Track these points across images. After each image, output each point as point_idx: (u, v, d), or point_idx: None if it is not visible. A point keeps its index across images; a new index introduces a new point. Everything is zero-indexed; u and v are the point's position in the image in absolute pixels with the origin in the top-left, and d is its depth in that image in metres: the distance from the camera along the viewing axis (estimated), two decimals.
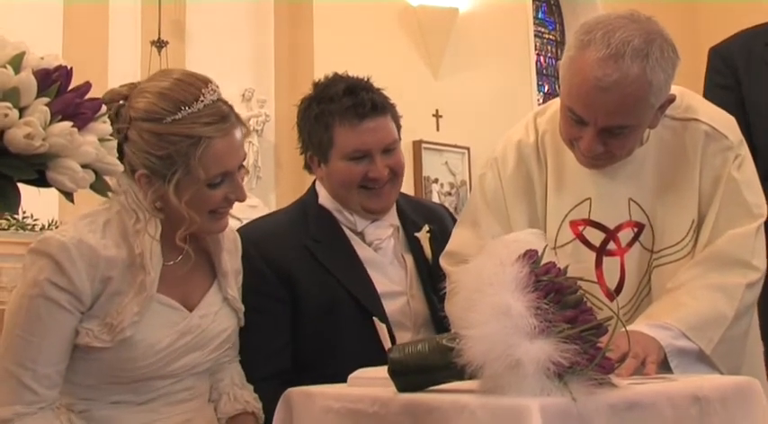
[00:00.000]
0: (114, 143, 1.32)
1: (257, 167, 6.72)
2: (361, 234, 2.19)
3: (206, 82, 1.77)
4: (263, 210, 7.08)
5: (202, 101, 1.72)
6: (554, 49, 9.04)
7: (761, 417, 1.53)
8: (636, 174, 1.98)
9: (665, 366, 1.74)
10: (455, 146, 7.22)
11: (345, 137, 2.10)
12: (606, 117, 1.80)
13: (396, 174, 2.17)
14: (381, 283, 2.14)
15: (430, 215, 2.35)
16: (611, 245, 1.99)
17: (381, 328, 1.49)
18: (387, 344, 1.44)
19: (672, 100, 1.89)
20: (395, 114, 2.18)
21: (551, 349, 1.26)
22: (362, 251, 2.17)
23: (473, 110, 7.10)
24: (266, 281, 2.06)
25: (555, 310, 1.31)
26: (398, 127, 2.19)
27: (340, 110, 2.09)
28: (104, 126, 1.29)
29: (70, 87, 1.26)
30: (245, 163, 1.83)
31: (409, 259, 2.22)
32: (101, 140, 1.27)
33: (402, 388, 1.41)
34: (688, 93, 2.03)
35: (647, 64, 1.75)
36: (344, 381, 1.63)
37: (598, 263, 2.00)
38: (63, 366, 1.70)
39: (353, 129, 2.09)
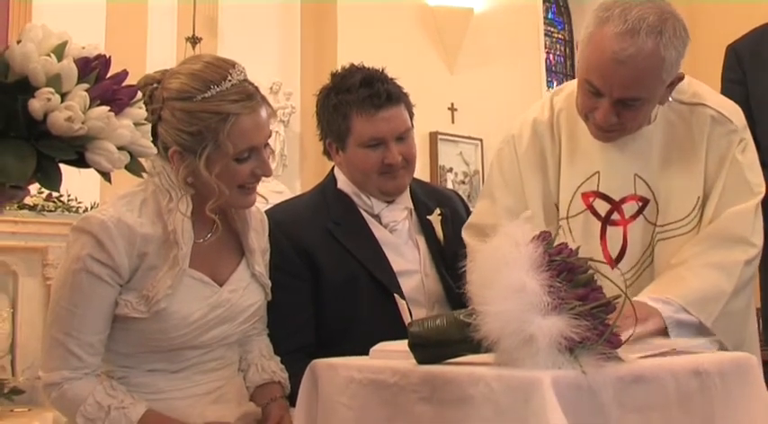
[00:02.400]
0: (148, 127, 1.31)
1: (283, 156, 6.72)
2: (377, 217, 2.18)
3: (233, 64, 1.78)
4: (288, 196, 7.09)
5: (230, 80, 1.73)
6: (563, 48, 8.98)
7: (756, 390, 1.52)
8: (642, 152, 1.98)
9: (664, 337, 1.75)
10: (469, 138, 7.19)
11: (362, 127, 2.09)
12: (621, 89, 1.81)
13: (408, 160, 2.16)
14: (397, 262, 2.13)
15: (441, 199, 2.34)
16: (615, 216, 2.01)
17: (402, 304, 1.48)
18: (407, 319, 1.43)
19: (681, 78, 1.89)
20: (408, 103, 2.17)
21: (563, 325, 1.26)
22: (379, 232, 2.16)
23: (486, 103, 7.07)
24: (289, 260, 2.06)
25: (567, 288, 1.30)
26: (411, 115, 2.18)
27: (357, 101, 2.08)
28: (139, 111, 1.28)
29: (108, 75, 1.25)
30: (273, 149, 1.83)
31: (422, 240, 2.21)
32: (135, 124, 1.26)
33: (421, 360, 1.41)
34: (695, 82, 2.04)
35: (661, 40, 1.77)
36: (364, 355, 1.62)
37: (602, 232, 2.01)
38: (105, 335, 1.73)
39: (370, 119, 2.09)
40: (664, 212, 1.98)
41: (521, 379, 1.25)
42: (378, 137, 2.10)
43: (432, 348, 1.39)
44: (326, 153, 2.24)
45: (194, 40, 6.27)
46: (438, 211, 2.23)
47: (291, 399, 1.82)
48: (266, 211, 2.12)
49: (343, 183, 2.20)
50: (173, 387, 1.78)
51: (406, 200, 2.22)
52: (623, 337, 1.36)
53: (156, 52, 6.10)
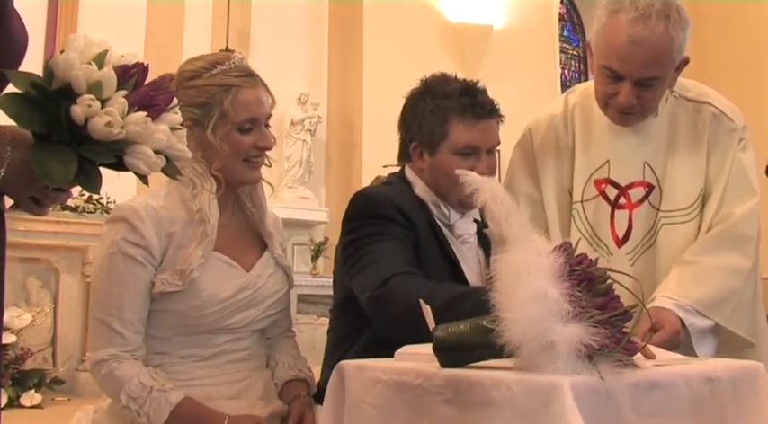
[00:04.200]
0: (184, 131, 1.31)
1: (310, 163, 6.74)
2: (450, 227, 2.08)
3: (234, 54, 1.93)
4: (313, 202, 7.11)
5: (233, 62, 1.87)
6: (577, 64, 8.96)
7: (765, 396, 1.50)
8: (650, 142, 2.05)
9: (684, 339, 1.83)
10: None
11: (460, 134, 1.99)
12: (640, 68, 1.88)
13: (491, 174, 2.04)
14: (469, 275, 2.04)
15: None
16: (622, 200, 2.06)
17: (426, 309, 1.44)
18: (431, 324, 1.40)
19: (686, 61, 1.96)
20: (500, 120, 2.08)
21: (583, 333, 1.24)
22: (453, 243, 2.06)
23: (504, 115, 7.05)
24: (398, 220, 1.95)
25: (587, 297, 1.28)
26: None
27: (459, 108, 1.99)
28: (175, 116, 1.28)
29: (146, 82, 1.25)
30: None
31: (481, 253, 2.13)
32: (171, 129, 1.25)
33: (445, 364, 1.39)
34: (702, 84, 2.11)
35: (669, 23, 1.87)
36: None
37: (612, 215, 2.07)
38: (143, 314, 1.77)
39: (470, 127, 1.99)
40: (667, 199, 2.03)
41: (541, 384, 1.23)
42: (473, 146, 2.00)
43: (455, 352, 1.37)
44: (403, 156, 2.12)
45: (227, 52, 6.30)
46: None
47: (319, 397, 1.80)
48: (365, 188, 2.16)
49: (420, 190, 2.07)
50: (205, 374, 1.80)
51: (475, 213, 2.12)
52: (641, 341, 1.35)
53: None
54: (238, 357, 1.85)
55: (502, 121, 2.08)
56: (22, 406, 4.64)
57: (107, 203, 5.36)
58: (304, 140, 6.70)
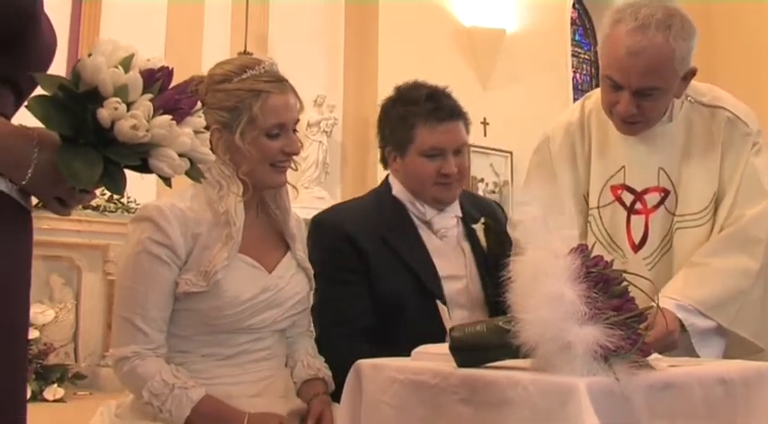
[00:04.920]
0: (207, 135, 1.30)
1: (326, 164, 6.74)
2: (428, 223, 2.16)
3: (265, 59, 1.91)
4: (329, 202, 7.10)
5: (263, 67, 1.85)
6: (589, 68, 8.92)
7: None
8: (665, 147, 2.03)
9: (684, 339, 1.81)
10: (499, 150, 7.17)
11: (425, 136, 2.09)
12: (638, 78, 1.87)
13: (461, 173, 2.15)
14: (444, 267, 2.11)
15: (485, 208, 2.32)
16: (638, 205, 2.05)
17: (443, 310, 1.45)
18: (447, 324, 1.41)
19: (693, 72, 1.93)
20: (466, 121, 2.17)
21: (599, 334, 1.24)
22: (429, 238, 2.15)
23: (516, 118, 7.04)
24: (348, 256, 2.06)
25: (603, 299, 1.28)
26: (467, 132, 2.18)
27: (423, 113, 2.08)
28: (199, 120, 1.27)
29: (170, 85, 1.24)
30: (302, 143, 1.91)
31: (467, 246, 2.19)
32: (195, 132, 1.25)
33: (461, 363, 1.39)
34: (717, 88, 2.09)
35: (670, 33, 1.84)
36: (407, 356, 1.59)
37: (628, 220, 2.06)
38: (167, 313, 1.76)
39: (433, 130, 2.08)
40: (682, 203, 2.01)
41: (557, 384, 1.23)
42: (438, 147, 2.09)
43: (472, 352, 1.37)
44: (383, 160, 2.23)
45: (246, 55, 6.31)
46: (482, 220, 2.21)
47: (336, 395, 1.80)
48: (321, 212, 2.19)
49: (398, 191, 2.19)
50: (226, 373, 1.79)
51: (455, 209, 2.20)
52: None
53: (211, 66, 6.14)
54: (259, 357, 1.84)
55: (468, 123, 2.16)
56: (46, 400, 4.66)
57: (127, 203, 5.38)
58: (320, 141, 6.70)
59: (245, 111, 1.80)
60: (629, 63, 1.85)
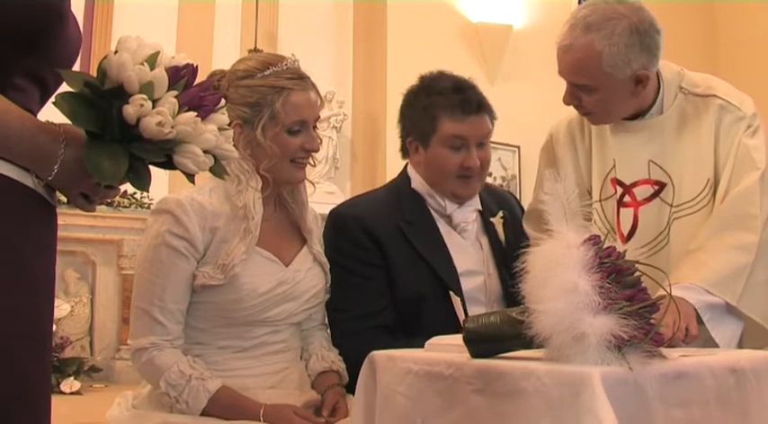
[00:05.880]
0: (231, 132, 1.31)
1: (336, 159, 6.73)
2: (448, 217, 2.12)
3: (288, 56, 1.93)
4: (340, 197, 7.11)
5: (286, 64, 1.86)
6: None
7: None
8: (655, 140, 2.03)
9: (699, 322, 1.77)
10: (507, 145, 7.13)
11: (449, 127, 2.04)
12: (567, 74, 1.95)
13: (483, 167, 2.11)
14: (462, 262, 2.07)
15: (502, 201, 2.28)
16: (627, 198, 2.05)
17: (456, 301, 1.45)
18: (461, 316, 1.40)
19: (641, 78, 1.91)
20: (492, 114, 2.12)
21: (612, 324, 1.24)
22: (447, 232, 2.10)
23: (523, 113, 7.00)
24: (368, 250, 2.02)
25: (616, 289, 1.28)
26: (492, 126, 2.13)
27: (448, 104, 2.04)
28: (223, 117, 1.28)
29: (195, 83, 1.25)
30: (321, 138, 1.92)
31: (485, 241, 2.15)
32: (219, 129, 1.26)
33: (475, 354, 1.38)
34: (714, 78, 2.09)
35: (597, 36, 1.85)
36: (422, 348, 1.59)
37: (617, 213, 2.06)
38: (184, 306, 1.77)
39: (458, 122, 2.04)
40: (678, 193, 2.00)
41: (571, 374, 1.23)
42: (461, 136, 2.04)
43: (486, 343, 1.37)
44: (404, 150, 2.17)
45: (256, 52, 6.31)
46: (501, 214, 2.18)
47: (351, 388, 1.80)
48: (339, 206, 2.17)
49: (417, 183, 2.13)
50: (242, 365, 1.81)
51: (475, 202, 2.16)
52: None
53: (222, 62, 6.14)
54: (276, 349, 1.85)
55: (494, 117, 2.11)
56: (62, 392, 4.69)
57: (141, 198, 5.39)
58: (330, 137, 6.69)
59: (266, 108, 1.81)
60: (559, 58, 1.94)
